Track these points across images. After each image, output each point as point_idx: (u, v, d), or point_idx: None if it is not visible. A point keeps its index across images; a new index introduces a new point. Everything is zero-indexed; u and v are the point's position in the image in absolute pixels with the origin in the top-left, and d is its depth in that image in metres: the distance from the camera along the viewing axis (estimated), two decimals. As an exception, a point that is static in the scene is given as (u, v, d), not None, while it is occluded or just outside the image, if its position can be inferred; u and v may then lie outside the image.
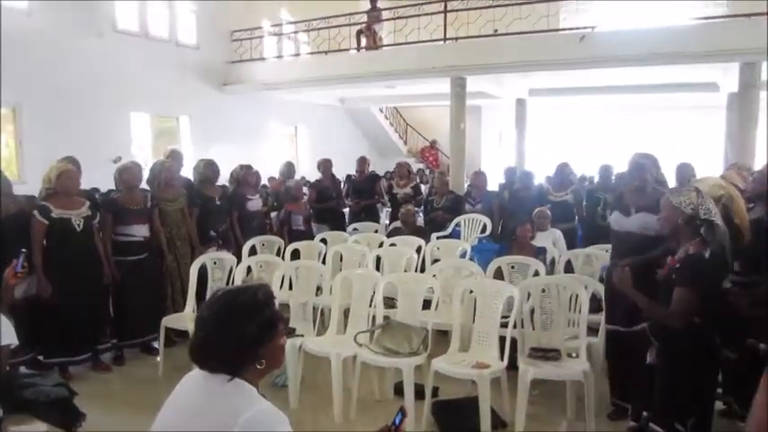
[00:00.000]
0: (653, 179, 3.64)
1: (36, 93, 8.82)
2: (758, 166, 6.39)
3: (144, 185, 5.28)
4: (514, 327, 3.77)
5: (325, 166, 7.49)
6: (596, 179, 7.67)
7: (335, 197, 7.46)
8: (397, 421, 1.64)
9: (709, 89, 11.21)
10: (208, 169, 5.64)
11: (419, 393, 3.79)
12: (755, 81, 8.32)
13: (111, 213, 4.77)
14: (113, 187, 5.21)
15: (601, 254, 5.05)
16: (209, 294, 3.92)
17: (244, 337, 1.55)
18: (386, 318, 4.05)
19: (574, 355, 3.80)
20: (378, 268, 5.17)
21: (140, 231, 4.88)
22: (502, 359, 3.69)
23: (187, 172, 6.30)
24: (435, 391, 4.02)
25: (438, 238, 6.35)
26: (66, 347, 4.43)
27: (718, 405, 3.82)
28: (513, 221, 5.62)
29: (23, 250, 3.51)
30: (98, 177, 6.24)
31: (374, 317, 4.10)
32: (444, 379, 3.82)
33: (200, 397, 1.54)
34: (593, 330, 3.90)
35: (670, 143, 14.13)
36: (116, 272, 4.70)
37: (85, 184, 5.42)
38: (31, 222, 4.27)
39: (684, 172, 6.04)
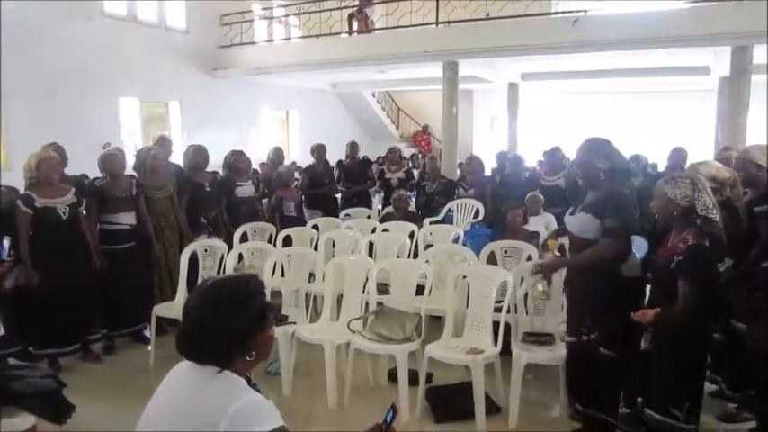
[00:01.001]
0: (602, 171, 3.12)
1: (23, 79, 8.64)
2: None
3: (131, 172, 5.18)
4: (508, 312, 3.74)
5: (318, 151, 7.39)
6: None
7: (328, 183, 7.38)
8: (389, 419, 1.59)
9: (701, 73, 11.19)
10: (197, 155, 5.54)
11: (413, 379, 3.76)
12: (747, 65, 8.28)
13: (97, 201, 4.68)
14: (99, 174, 5.10)
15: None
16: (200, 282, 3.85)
17: (233, 328, 1.51)
18: (379, 304, 4.01)
19: (567, 339, 3.78)
20: (370, 254, 5.13)
21: (127, 219, 4.79)
22: (495, 344, 3.68)
23: (177, 158, 6.21)
24: (429, 377, 4.01)
25: (431, 223, 6.30)
26: (55, 338, 4.36)
27: (709, 386, 3.85)
28: (504, 206, 5.57)
29: (8, 237, 3.43)
30: (87, 163, 6.13)
31: (367, 303, 4.06)
32: (438, 365, 3.79)
33: (188, 390, 1.50)
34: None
35: (662, 127, 14.16)
36: (103, 261, 4.61)
37: (74, 170, 5.33)
38: (15, 213, 4.17)
39: (678, 156, 6.03)
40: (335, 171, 7.79)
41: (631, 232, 3.05)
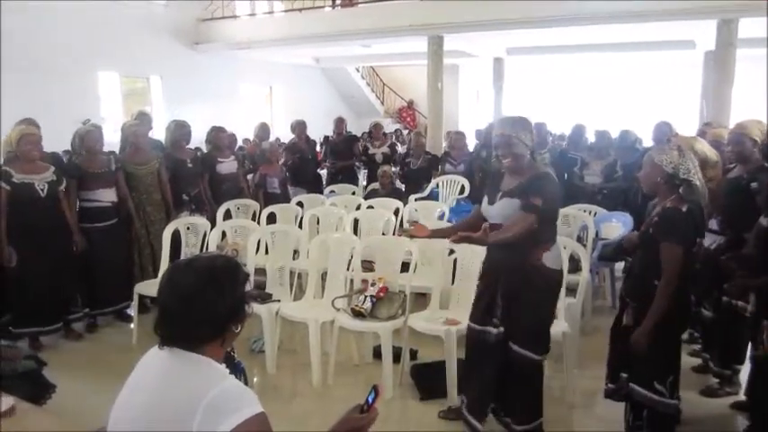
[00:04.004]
0: (526, 150, 2.85)
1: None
2: (733, 124, 6.40)
3: (110, 148, 5.07)
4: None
5: (299, 128, 7.29)
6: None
7: (311, 159, 7.29)
8: (370, 400, 1.56)
9: (687, 47, 11.16)
10: (178, 131, 5.41)
11: (398, 357, 3.76)
12: (732, 39, 8.26)
13: (76, 179, 4.58)
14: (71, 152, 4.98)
15: (579, 213, 5.04)
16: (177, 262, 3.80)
17: (214, 312, 1.46)
18: (363, 281, 3.98)
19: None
20: (355, 231, 5.09)
21: (106, 196, 4.70)
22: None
23: (159, 134, 6.07)
24: (414, 354, 4.02)
25: (416, 199, 6.26)
26: (36, 317, 4.29)
27: (694, 361, 3.90)
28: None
29: None
30: (65, 140, 6.00)
31: (352, 281, 4.02)
32: (424, 342, 3.79)
33: (162, 377, 1.45)
34: (571, 291, 3.87)
35: (647, 101, 14.17)
36: (84, 239, 4.53)
37: (52, 146, 5.19)
38: None
39: (662, 131, 6.01)
40: (322, 147, 7.71)
41: (555, 218, 2.92)
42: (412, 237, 3.39)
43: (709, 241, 3.46)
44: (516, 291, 2.86)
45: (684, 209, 2.61)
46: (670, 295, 2.58)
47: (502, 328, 2.92)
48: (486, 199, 3.01)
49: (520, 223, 2.75)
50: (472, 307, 3.11)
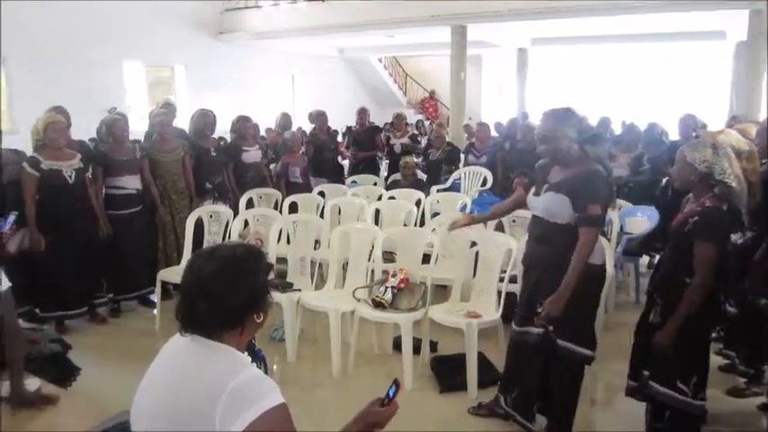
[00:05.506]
0: (572, 142, 2.76)
1: (25, 43, 8.53)
2: (763, 116, 6.23)
3: (135, 137, 5.12)
4: (513, 282, 3.67)
5: (320, 119, 7.24)
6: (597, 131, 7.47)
7: (333, 149, 7.27)
8: (391, 393, 1.54)
9: (717, 38, 10.89)
10: (201, 120, 5.44)
11: (418, 349, 3.75)
12: (764, 29, 8.02)
13: (102, 166, 4.64)
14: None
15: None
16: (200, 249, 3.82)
17: (231, 300, 1.45)
18: (385, 272, 3.96)
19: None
20: (376, 222, 5.07)
21: (132, 183, 4.75)
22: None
23: (183, 123, 6.10)
24: (434, 346, 3.99)
25: (438, 191, 6.23)
26: (62, 301, 4.36)
27: (720, 360, 3.81)
28: (515, 174, 5.47)
29: (15, 212, 3.41)
30: (92, 128, 6.07)
31: (373, 271, 4.01)
32: (445, 334, 3.76)
33: (184, 366, 1.45)
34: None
35: (676, 94, 13.88)
36: (109, 226, 4.59)
37: (79, 135, 5.26)
38: (21, 175, 4.13)
39: (687, 124, 5.85)
40: (345, 138, 7.69)
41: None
42: (461, 227, 3.45)
43: (737, 236, 3.37)
44: (559, 287, 2.76)
45: (725, 208, 2.54)
46: (701, 294, 2.52)
47: (543, 329, 2.85)
48: (532, 190, 2.95)
49: (587, 243, 2.69)
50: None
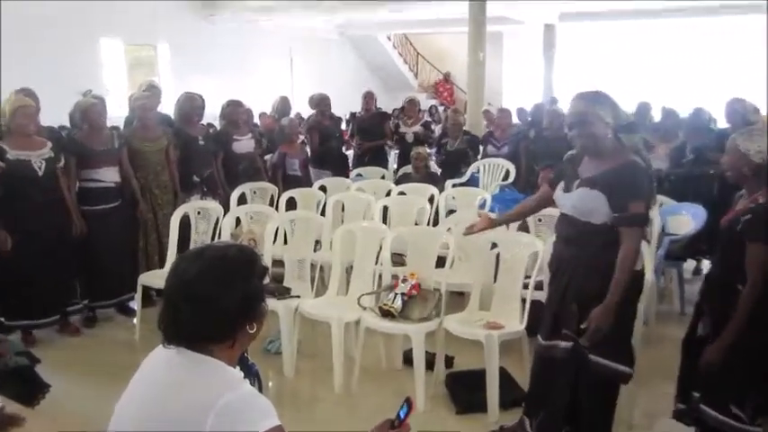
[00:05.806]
0: (608, 128, 2.68)
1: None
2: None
3: (113, 123, 5.11)
4: (539, 288, 3.64)
5: (322, 103, 7.19)
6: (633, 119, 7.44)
7: (337, 138, 7.25)
8: (402, 414, 1.54)
9: (756, 11, 10.81)
10: (188, 104, 5.44)
11: (431, 364, 3.74)
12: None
13: (76, 156, 4.62)
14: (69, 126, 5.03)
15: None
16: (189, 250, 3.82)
17: (221, 309, 1.44)
18: (394, 277, 3.94)
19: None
20: (384, 220, 5.07)
21: (110, 176, 4.74)
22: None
23: (168, 108, 6.10)
24: (450, 361, 3.97)
25: (454, 185, 6.22)
26: (30, 308, 4.36)
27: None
28: (541, 166, 5.44)
29: None
30: (63, 114, 6.08)
31: (380, 276, 4.00)
32: (461, 348, 3.73)
33: (169, 379, 1.44)
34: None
35: (716, 74, 13.81)
36: (84, 223, 4.58)
37: (49, 120, 5.25)
38: None
39: (734, 109, 5.76)
40: (348, 125, 7.67)
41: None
42: (479, 231, 3.36)
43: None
44: (592, 294, 2.70)
45: None
46: (755, 303, 2.47)
47: (572, 342, 2.79)
48: (561, 185, 2.88)
49: (633, 247, 2.64)
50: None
